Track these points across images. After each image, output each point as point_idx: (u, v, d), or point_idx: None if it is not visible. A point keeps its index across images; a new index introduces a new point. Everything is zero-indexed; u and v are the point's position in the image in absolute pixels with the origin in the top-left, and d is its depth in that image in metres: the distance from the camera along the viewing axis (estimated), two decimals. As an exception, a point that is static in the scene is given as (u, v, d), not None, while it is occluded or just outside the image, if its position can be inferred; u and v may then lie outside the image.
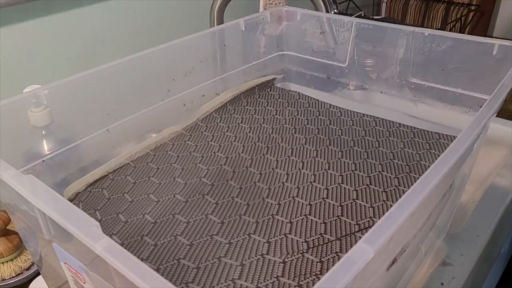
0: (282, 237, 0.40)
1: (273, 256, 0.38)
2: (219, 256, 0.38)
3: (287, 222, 0.42)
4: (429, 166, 0.30)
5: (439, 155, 0.31)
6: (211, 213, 0.43)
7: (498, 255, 0.73)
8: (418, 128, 0.56)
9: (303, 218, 0.43)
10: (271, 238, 0.40)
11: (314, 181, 0.48)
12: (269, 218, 0.43)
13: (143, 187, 0.47)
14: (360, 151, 0.53)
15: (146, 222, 0.42)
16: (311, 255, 0.38)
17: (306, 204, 0.45)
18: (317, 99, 0.64)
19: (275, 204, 0.45)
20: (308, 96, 0.65)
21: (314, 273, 0.36)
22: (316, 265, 0.37)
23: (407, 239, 0.33)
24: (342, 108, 0.62)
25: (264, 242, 0.40)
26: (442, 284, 0.50)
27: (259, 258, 0.38)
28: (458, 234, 0.56)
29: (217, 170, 0.49)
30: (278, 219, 0.43)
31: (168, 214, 0.43)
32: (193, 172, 0.49)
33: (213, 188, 0.47)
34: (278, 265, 0.37)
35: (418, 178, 0.29)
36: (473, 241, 0.55)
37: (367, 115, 0.60)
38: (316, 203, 0.45)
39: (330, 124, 0.58)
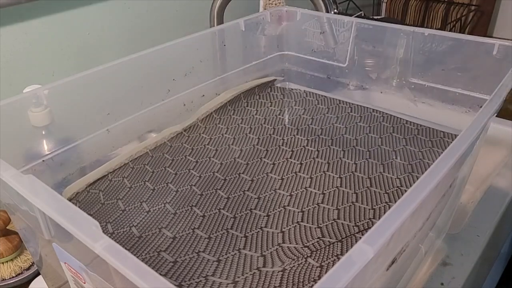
0: (277, 248, 0.39)
1: (272, 267, 0.37)
2: (206, 275, 0.36)
3: (278, 233, 0.41)
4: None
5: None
6: (198, 227, 0.42)
7: (498, 255, 0.73)
8: (423, 126, 0.56)
9: (295, 226, 0.41)
10: (264, 251, 0.39)
11: (310, 186, 0.47)
12: (258, 231, 0.41)
13: (138, 193, 0.46)
14: (362, 150, 0.52)
15: (131, 236, 0.41)
16: (313, 259, 0.37)
17: (298, 212, 0.43)
18: (325, 96, 0.63)
19: (264, 216, 0.43)
20: (316, 94, 0.64)
21: (312, 279, 0.35)
22: (316, 270, 0.36)
23: (407, 239, 0.33)
24: (352, 104, 0.61)
25: (258, 256, 0.38)
26: (442, 284, 0.50)
27: (254, 273, 0.37)
28: (458, 234, 0.56)
29: (209, 177, 0.48)
30: (267, 231, 0.41)
31: (155, 227, 0.42)
32: (185, 179, 0.48)
33: (201, 198, 0.46)
34: (277, 275, 0.36)
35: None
36: (473, 241, 0.55)
37: (377, 110, 0.59)
38: (309, 209, 0.43)
39: (336, 123, 0.57)
